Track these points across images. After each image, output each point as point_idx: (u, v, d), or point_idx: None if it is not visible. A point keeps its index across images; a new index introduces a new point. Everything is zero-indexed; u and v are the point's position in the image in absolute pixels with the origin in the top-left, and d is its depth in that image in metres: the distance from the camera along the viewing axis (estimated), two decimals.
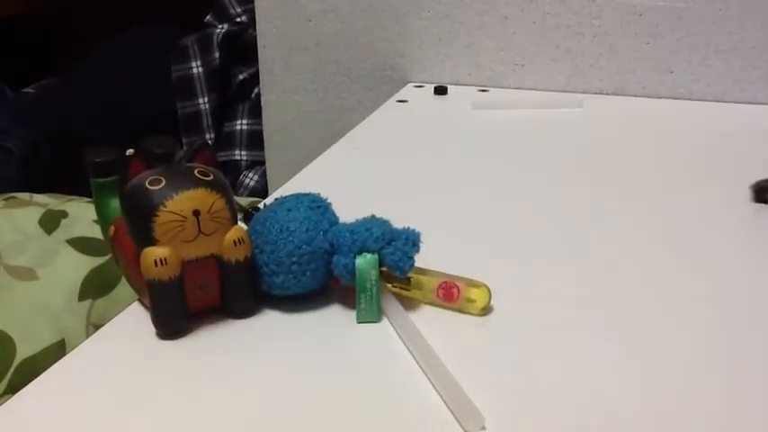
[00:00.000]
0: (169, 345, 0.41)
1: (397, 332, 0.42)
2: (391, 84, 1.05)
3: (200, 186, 0.40)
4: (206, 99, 1.32)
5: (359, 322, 0.43)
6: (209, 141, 1.34)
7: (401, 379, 0.38)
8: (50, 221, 0.73)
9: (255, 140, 1.29)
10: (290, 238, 0.42)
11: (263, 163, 1.24)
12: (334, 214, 0.45)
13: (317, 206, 0.44)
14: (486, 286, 0.43)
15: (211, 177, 0.41)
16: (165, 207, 0.39)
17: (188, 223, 0.39)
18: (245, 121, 1.33)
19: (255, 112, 1.25)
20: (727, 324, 0.43)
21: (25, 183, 1.28)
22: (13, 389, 0.38)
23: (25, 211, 0.74)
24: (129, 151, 0.42)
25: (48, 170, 1.31)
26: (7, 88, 1.65)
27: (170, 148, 0.43)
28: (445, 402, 0.35)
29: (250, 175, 1.31)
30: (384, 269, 0.42)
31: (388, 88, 1.05)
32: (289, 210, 0.43)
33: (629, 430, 0.34)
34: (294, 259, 0.42)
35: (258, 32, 1.10)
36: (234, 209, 0.42)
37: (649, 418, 0.35)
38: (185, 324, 0.42)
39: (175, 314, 0.42)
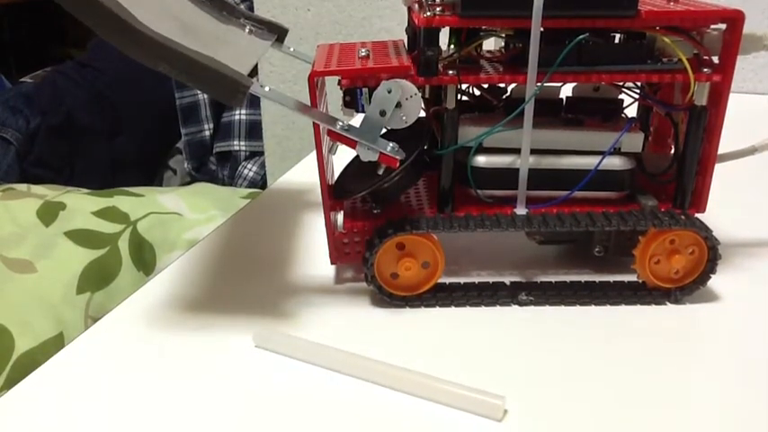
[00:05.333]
0: (168, 338, 0.41)
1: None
2: None
3: None
4: None
5: None
6: (209, 132, 1.33)
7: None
8: (48, 213, 0.72)
9: (254, 131, 1.29)
10: None
11: (261, 153, 1.24)
12: None
13: None
14: None
15: None
16: None
17: None
18: (243, 112, 1.32)
19: (254, 102, 1.24)
20: None
21: (23, 174, 1.27)
22: (11, 383, 0.37)
23: (23, 203, 0.73)
24: None
25: (46, 161, 1.30)
26: (5, 78, 1.64)
27: None
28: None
29: (249, 165, 1.31)
30: None
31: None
32: None
33: None
34: None
35: None
36: None
37: None
38: None
39: None
